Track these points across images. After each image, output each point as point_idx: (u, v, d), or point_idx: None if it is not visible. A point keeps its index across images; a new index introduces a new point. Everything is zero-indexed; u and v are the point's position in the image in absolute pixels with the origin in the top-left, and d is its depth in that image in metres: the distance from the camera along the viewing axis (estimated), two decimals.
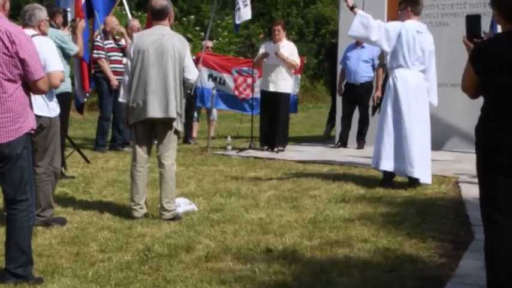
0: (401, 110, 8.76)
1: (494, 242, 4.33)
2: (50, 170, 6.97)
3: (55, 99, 6.97)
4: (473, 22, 4.79)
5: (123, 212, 7.41)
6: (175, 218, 7.17)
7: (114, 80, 12.13)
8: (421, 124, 8.83)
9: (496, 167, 4.28)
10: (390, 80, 8.92)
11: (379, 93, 12.59)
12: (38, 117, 6.33)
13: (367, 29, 8.88)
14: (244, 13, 13.20)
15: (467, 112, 12.14)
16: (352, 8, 8.96)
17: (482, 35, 4.85)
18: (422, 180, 8.85)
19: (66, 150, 10.23)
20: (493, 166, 4.30)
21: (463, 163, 10.37)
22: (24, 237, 5.16)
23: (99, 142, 12.49)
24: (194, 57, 11.70)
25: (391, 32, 8.83)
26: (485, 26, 7.01)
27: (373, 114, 12.43)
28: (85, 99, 12.71)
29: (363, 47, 12.76)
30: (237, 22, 13.59)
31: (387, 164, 8.85)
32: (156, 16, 7.42)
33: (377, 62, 12.72)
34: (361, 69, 12.95)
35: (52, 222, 6.87)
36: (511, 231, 4.30)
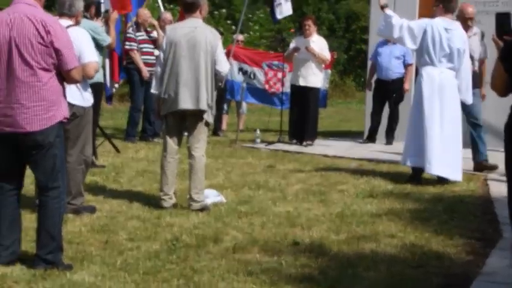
0: (424, 107, 8.81)
1: None
2: (81, 159, 7.05)
3: (89, 89, 7.04)
4: (503, 20, 4.78)
5: (152, 202, 7.48)
6: (204, 209, 7.23)
7: (145, 71, 12.20)
8: (450, 122, 8.81)
9: None
10: (418, 78, 8.97)
11: (407, 86, 12.65)
12: (71, 105, 6.43)
13: (389, 27, 9.04)
14: (286, 9, 13.22)
15: (498, 109, 12.04)
16: (382, 8, 8.99)
17: None
18: (452, 178, 8.84)
19: (97, 139, 10.31)
20: None
21: (493, 161, 10.32)
22: (55, 224, 5.24)
23: (130, 132, 12.58)
24: (225, 51, 11.73)
25: (415, 30, 8.87)
26: None
27: (395, 105, 12.51)
28: (114, 90, 12.77)
29: (394, 43, 12.73)
30: (278, 17, 13.62)
31: (414, 160, 8.86)
32: (188, 9, 7.48)
33: (408, 58, 12.70)
34: (393, 65, 12.91)
35: (82, 210, 6.95)
36: None
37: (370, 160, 10.78)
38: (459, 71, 8.95)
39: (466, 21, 9.33)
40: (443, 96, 8.79)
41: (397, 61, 12.92)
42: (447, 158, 8.75)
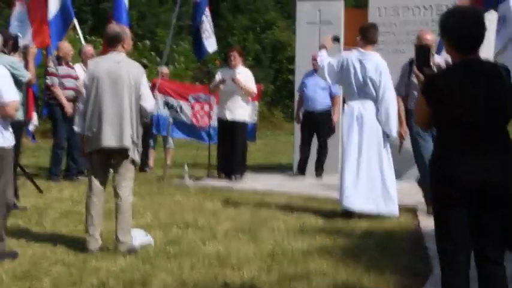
0: (343, 140, 9.02)
1: (449, 277, 4.32)
2: (2, 201, 6.77)
3: (10, 129, 6.80)
4: (422, 53, 4.88)
5: (78, 244, 7.24)
6: (131, 250, 7.02)
7: (68, 107, 11.95)
8: (369, 155, 8.87)
9: (448, 198, 4.27)
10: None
11: (335, 118, 12.72)
12: None
13: (320, 69, 9.27)
14: (209, 45, 13.15)
15: None
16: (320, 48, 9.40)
17: (432, 64, 4.88)
18: (379, 212, 8.85)
19: (19, 179, 10.01)
20: (445, 197, 4.29)
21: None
22: None
23: (53, 171, 12.26)
24: (150, 84, 11.59)
25: (334, 65, 9.10)
26: None
27: (324, 137, 12.57)
28: (32, 127, 12.44)
29: None
30: (209, 50, 13.58)
31: (346, 203, 8.89)
32: (110, 42, 7.33)
33: (334, 89, 12.74)
34: (319, 96, 12.92)
35: (3, 255, 6.67)
36: (465, 266, 4.29)
37: (299, 195, 10.71)
38: (380, 102, 8.98)
39: None
40: (362, 128, 8.88)
41: (323, 92, 12.93)
42: (367, 191, 8.78)
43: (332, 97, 12.92)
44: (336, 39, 9.50)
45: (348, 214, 8.87)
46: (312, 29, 13.43)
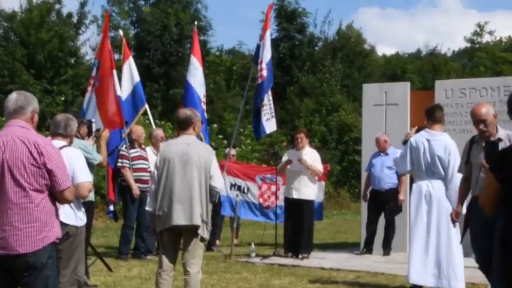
0: (411, 219, 9.07)
1: None
2: (73, 279, 6.95)
3: (82, 209, 7.02)
4: (492, 147, 5.10)
5: None
6: None
7: (136, 189, 12.17)
8: (438, 232, 8.83)
9: None
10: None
11: (401, 197, 12.71)
12: (64, 225, 6.39)
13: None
14: (268, 126, 13.30)
15: None
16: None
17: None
18: (452, 286, 8.76)
19: (89, 258, 10.19)
20: None
21: None
22: None
23: (122, 250, 12.45)
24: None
25: (407, 151, 9.13)
26: None
27: (391, 215, 12.54)
28: (111, 208, 12.69)
29: (387, 154, 12.87)
30: (262, 134, 13.69)
31: (414, 277, 8.83)
32: (181, 125, 7.56)
33: None
34: (386, 175, 13.00)
35: None
36: None
37: (367, 272, 10.66)
38: (450, 181, 8.96)
39: (477, 125, 7.68)
40: (431, 206, 8.87)
41: (390, 171, 12.98)
42: (434, 268, 8.72)
43: (399, 176, 12.94)
44: None
45: None
46: (379, 111, 13.53)
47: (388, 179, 13.02)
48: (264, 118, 13.12)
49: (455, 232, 8.90)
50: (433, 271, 8.72)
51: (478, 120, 7.57)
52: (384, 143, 13.01)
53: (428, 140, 8.98)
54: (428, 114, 9.13)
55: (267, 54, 12.96)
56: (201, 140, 11.80)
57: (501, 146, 6.51)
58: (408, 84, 13.95)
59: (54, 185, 5.13)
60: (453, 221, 8.29)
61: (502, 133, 7.47)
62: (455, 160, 8.93)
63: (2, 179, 5.03)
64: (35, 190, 5.05)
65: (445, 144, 8.97)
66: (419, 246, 8.85)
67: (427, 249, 8.82)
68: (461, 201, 7.97)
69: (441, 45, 58.79)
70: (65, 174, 5.23)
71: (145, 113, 14.48)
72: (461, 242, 8.06)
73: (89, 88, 12.53)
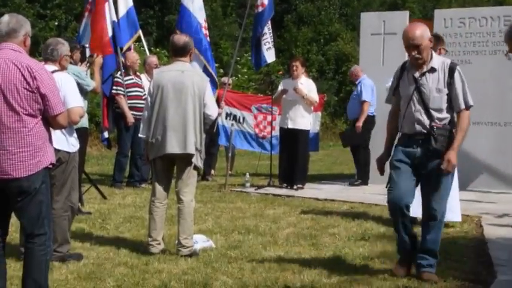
0: None
1: None
2: (67, 205, 6.94)
3: (75, 135, 6.97)
4: None
5: (140, 248, 7.36)
6: (193, 254, 7.11)
7: (130, 117, 12.09)
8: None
9: None
10: None
11: (358, 123, 12.99)
12: (57, 151, 6.35)
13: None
14: (268, 56, 13.16)
15: (491, 151, 12.08)
16: None
17: None
18: (448, 219, 8.76)
19: (83, 186, 10.20)
20: None
21: (486, 202, 10.23)
22: (42, 272, 5.13)
23: (117, 178, 12.47)
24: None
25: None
26: None
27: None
28: (106, 135, 12.64)
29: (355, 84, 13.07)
30: (263, 64, 13.57)
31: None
32: (177, 52, 7.43)
33: None
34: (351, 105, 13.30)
35: (68, 257, 6.83)
36: None
37: (361, 203, 10.68)
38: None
39: (410, 50, 6.38)
40: None
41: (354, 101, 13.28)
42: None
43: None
44: None
45: (412, 221, 8.80)
46: (376, 40, 13.38)
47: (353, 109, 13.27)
48: (264, 47, 13.00)
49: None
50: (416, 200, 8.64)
51: (410, 44, 6.28)
52: (352, 75, 13.45)
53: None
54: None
55: None
56: (206, 66, 11.75)
57: (434, 77, 6.26)
58: (407, 13, 13.77)
59: (47, 110, 5.06)
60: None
61: (436, 61, 6.35)
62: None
63: None
64: (29, 115, 4.99)
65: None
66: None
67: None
68: (389, 139, 6.66)
69: None
70: (59, 99, 5.17)
71: (139, 40, 14.33)
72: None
73: (86, 14, 12.38)
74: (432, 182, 6.35)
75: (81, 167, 9.02)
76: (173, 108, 7.20)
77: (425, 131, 6.25)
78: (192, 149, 7.21)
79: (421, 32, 6.27)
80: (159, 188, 7.35)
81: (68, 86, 6.63)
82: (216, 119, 9.57)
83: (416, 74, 6.32)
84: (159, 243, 7.24)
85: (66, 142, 6.79)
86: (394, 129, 6.60)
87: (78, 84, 8.24)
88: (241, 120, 14.27)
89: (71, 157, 6.88)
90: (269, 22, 13.06)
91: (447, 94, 6.30)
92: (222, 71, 24.87)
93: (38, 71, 5.03)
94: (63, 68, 7.00)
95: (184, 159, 7.28)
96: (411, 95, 6.31)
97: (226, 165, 13.89)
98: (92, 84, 9.11)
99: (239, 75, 27.24)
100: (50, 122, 5.16)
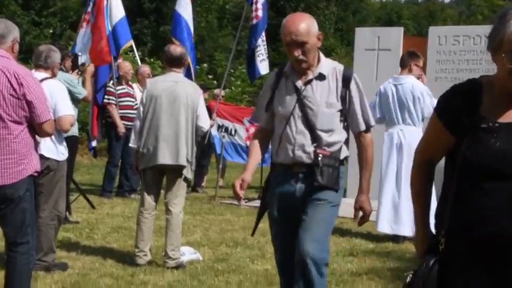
0: (387, 167, 8.88)
1: None
2: (53, 214, 6.86)
3: (64, 143, 6.89)
4: None
5: (127, 259, 7.30)
6: (179, 266, 7.06)
7: (121, 126, 12.03)
8: (407, 179, 8.73)
9: None
10: None
11: None
12: (45, 159, 6.32)
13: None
14: (262, 67, 13.14)
15: None
16: None
17: None
18: (403, 233, 8.77)
19: (72, 195, 10.12)
20: None
21: None
22: (24, 281, 5.07)
23: (106, 188, 12.39)
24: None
25: (376, 98, 8.98)
26: None
27: None
28: (94, 144, 12.56)
29: None
30: (257, 76, 13.53)
31: (385, 226, 8.80)
32: (172, 62, 7.37)
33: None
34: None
35: (53, 267, 6.76)
36: None
37: (351, 218, 10.58)
38: (420, 125, 8.81)
39: (292, 49, 4.73)
40: (401, 155, 8.74)
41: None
42: (406, 217, 8.60)
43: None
44: None
45: (396, 238, 8.78)
46: (370, 56, 13.35)
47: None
48: (258, 59, 12.98)
49: None
50: (407, 221, 8.58)
51: (293, 41, 4.62)
52: None
53: (395, 86, 8.85)
54: (401, 62, 9.05)
55: None
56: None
57: (323, 86, 4.69)
58: (402, 29, 13.73)
59: (33, 117, 5.01)
60: None
61: (325, 66, 4.79)
62: (424, 102, 8.76)
63: None
64: (14, 121, 4.93)
65: (411, 86, 8.80)
66: (389, 196, 8.77)
67: (400, 200, 8.73)
68: (251, 166, 5.10)
69: None
70: (45, 107, 5.10)
71: (132, 49, 14.28)
72: None
73: (84, 24, 12.30)
74: (309, 215, 4.75)
75: (70, 175, 8.95)
76: (166, 119, 7.15)
77: (308, 161, 4.63)
78: (183, 161, 7.16)
79: (307, 26, 4.61)
80: (147, 199, 7.28)
81: (59, 94, 6.56)
82: (208, 131, 9.53)
83: (299, 83, 4.72)
84: (145, 255, 7.18)
85: (56, 150, 6.72)
86: (258, 154, 5.02)
87: (70, 92, 8.20)
88: (232, 132, 14.19)
89: (59, 165, 6.81)
90: (263, 34, 13.05)
91: (340, 110, 4.75)
92: (215, 82, 24.84)
93: (25, 78, 4.97)
94: (54, 76, 6.94)
95: (175, 171, 7.23)
96: (291, 111, 4.66)
97: (217, 177, 13.81)
98: (83, 92, 9.06)
99: (233, 88, 27.20)
100: (36, 129, 5.11)
